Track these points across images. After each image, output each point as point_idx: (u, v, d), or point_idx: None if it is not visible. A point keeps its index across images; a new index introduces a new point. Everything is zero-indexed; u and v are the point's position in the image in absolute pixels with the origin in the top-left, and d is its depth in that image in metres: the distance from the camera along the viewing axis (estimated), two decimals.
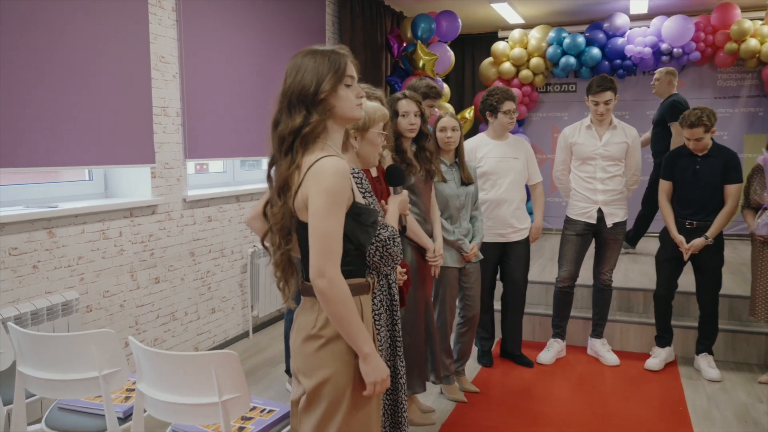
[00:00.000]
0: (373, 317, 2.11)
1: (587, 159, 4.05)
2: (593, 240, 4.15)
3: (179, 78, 3.95)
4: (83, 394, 2.10)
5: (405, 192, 2.34)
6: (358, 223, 1.67)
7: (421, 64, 6.14)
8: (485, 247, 3.75)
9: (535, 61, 7.21)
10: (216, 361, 1.84)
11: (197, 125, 4.09)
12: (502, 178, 3.83)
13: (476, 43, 8.23)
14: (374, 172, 2.76)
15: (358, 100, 1.70)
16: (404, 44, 6.53)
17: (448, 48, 6.48)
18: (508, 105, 3.78)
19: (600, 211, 4.04)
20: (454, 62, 6.60)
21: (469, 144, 3.86)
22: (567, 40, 6.99)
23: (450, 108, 6.25)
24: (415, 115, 3.02)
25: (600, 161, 4.02)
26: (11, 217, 2.88)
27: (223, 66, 4.28)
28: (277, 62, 4.85)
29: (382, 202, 2.33)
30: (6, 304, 2.88)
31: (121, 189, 3.81)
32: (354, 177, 2.04)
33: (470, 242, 3.49)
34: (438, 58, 6.15)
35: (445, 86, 6.67)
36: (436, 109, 3.63)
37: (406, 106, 3.00)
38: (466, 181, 3.48)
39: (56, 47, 3.10)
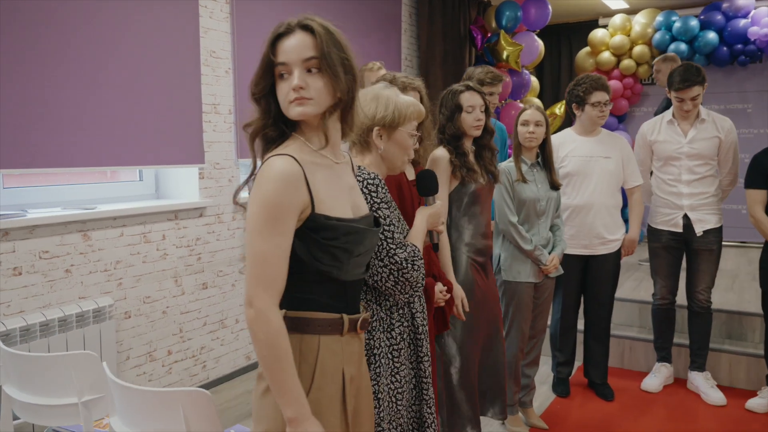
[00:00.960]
0: (392, 353, 1.75)
1: (670, 159, 3.44)
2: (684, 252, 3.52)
3: (232, 74, 3.75)
4: (64, 422, 1.89)
5: (438, 203, 1.93)
6: (318, 240, 1.30)
7: (504, 55, 5.63)
8: (566, 259, 3.25)
9: (639, 49, 6.46)
10: (184, 399, 1.55)
11: None
12: (588, 180, 3.30)
13: (573, 32, 7.55)
14: (411, 174, 2.37)
15: (292, 94, 1.29)
16: (488, 35, 6.05)
17: (536, 37, 5.92)
18: (598, 95, 3.25)
19: (686, 217, 3.40)
20: (543, 53, 6.03)
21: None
22: (677, 24, 6.19)
23: (536, 101, 5.70)
24: (481, 110, 2.59)
25: (685, 161, 3.40)
26: (42, 219, 2.77)
27: None
28: None
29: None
30: (34, 309, 2.78)
31: (169, 190, 3.67)
32: (368, 183, 1.68)
33: (550, 253, 3.01)
34: (523, 49, 5.62)
35: (534, 80, 6.11)
36: (520, 103, 3.15)
37: (470, 99, 2.58)
38: (554, 184, 3.01)
39: (104, 45, 2.98)
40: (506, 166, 2.98)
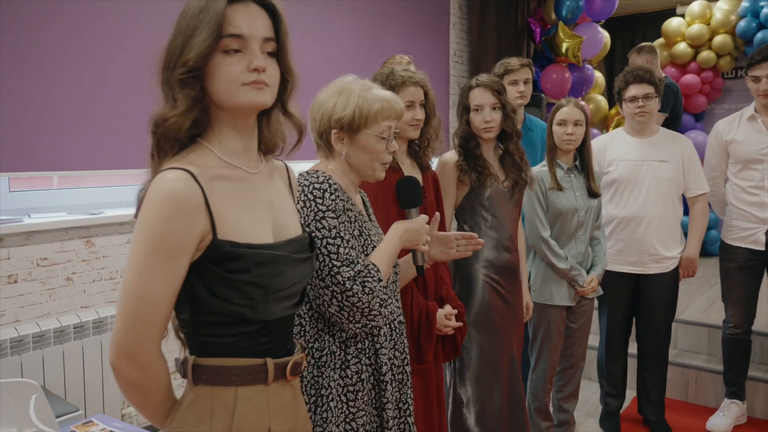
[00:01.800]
0: (346, 395, 1.45)
1: (751, 162, 2.91)
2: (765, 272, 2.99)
3: None
4: None
5: (421, 218, 1.59)
6: (222, 274, 1.05)
7: (564, 48, 5.17)
8: (614, 278, 2.84)
9: (720, 39, 5.81)
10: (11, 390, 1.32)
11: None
12: (638, 188, 2.86)
13: (647, 23, 6.93)
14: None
15: (249, 75, 1.04)
16: (548, 27, 5.59)
17: (601, 29, 5.41)
18: (633, 89, 2.81)
19: None
20: (608, 45, 5.51)
21: (597, 143, 2.95)
22: (766, 10, 5.50)
23: (582, 102, 5.20)
24: (493, 109, 2.25)
25: None
26: (40, 224, 2.65)
27: (319, 58, 3.81)
28: (388, 54, 4.28)
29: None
30: (30, 319, 2.66)
31: None
32: (313, 188, 1.42)
33: (588, 272, 2.61)
34: (584, 41, 5.13)
35: (598, 75, 5.61)
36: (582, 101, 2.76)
37: (478, 97, 2.26)
38: (594, 191, 2.61)
39: (111, 44, 2.84)
40: (539, 171, 2.61)
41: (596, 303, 2.95)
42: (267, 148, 1.20)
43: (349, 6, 4.05)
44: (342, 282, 1.37)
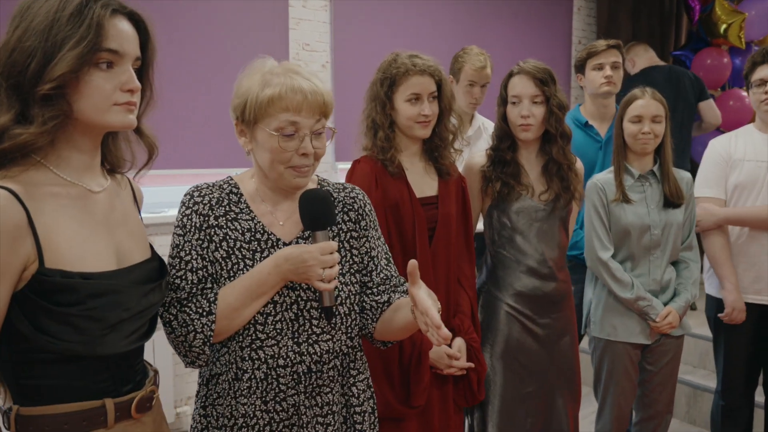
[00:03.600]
0: None
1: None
2: None
3: (330, 67, 3.40)
4: None
5: (316, 246, 1.17)
6: (49, 308, 0.93)
7: (722, 28, 4.32)
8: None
9: None
10: None
11: (352, 123, 3.49)
12: (764, 195, 2.21)
13: None
14: (425, 189, 1.74)
15: (122, 96, 0.99)
16: (708, 2, 4.72)
17: None
18: (762, 71, 2.16)
19: None
20: None
21: (718, 143, 2.35)
22: None
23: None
24: (534, 102, 1.84)
25: None
26: None
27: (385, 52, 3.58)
28: (494, 43, 3.91)
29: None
30: None
31: None
32: (181, 209, 1.24)
33: (667, 304, 2.07)
34: (749, 17, 4.23)
35: None
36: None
37: (517, 85, 1.87)
38: (674, 200, 2.07)
39: (184, 41, 2.89)
40: (601, 180, 2.10)
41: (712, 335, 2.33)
42: (112, 165, 1.12)
43: None
44: (162, 308, 1.17)
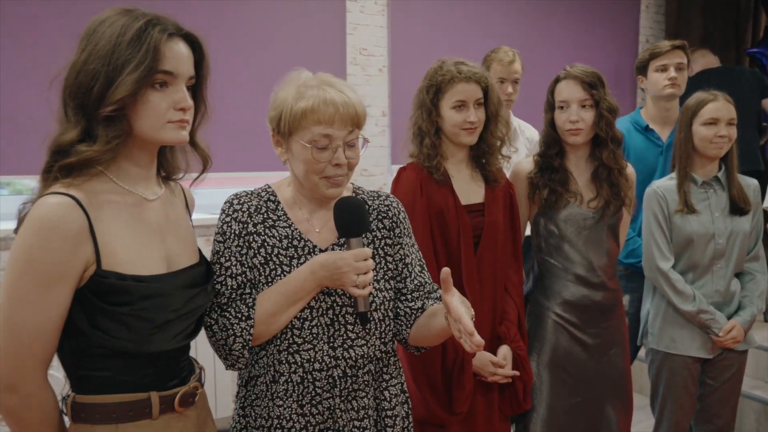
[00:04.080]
0: None
1: None
2: None
3: (387, 71, 3.43)
4: None
5: (351, 253, 1.19)
6: (104, 308, 1.00)
7: None
8: None
9: None
10: None
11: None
12: None
13: None
14: (471, 196, 1.75)
15: (175, 114, 1.05)
16: None
17: None
18: None
19: None
20: None
21: None
22: None
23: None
24: (582, 106, 1.81)
25: None
26: None
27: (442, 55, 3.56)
28: (553, 43, 3.84)
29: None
30: None
31: None
32: (221, 216, 1.28)
33: (731, 317, 1.99)
34: None
35: None
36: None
37: (564, 90, 1.84)
38: (741, 206, 1.98)
39: (238, 44, 2.99)
40: (661, 187, 2.03)
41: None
42: (167, 173, 1.19)
43: None
44: (204, 314, 1.21)
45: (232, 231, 1.25)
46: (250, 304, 1.21)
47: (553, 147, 1.88)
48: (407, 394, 1.37)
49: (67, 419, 1.08)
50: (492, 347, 1.75)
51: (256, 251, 1.25)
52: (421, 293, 1.33)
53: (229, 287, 1.22)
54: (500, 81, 2.52)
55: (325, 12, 3.21)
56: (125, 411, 1.05)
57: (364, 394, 1.27)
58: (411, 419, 1.37)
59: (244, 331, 1.19)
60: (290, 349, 1.22)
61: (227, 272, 1.23)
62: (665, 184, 2.04)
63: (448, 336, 1.24)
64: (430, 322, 1.27)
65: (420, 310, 1.31)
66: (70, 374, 1.07)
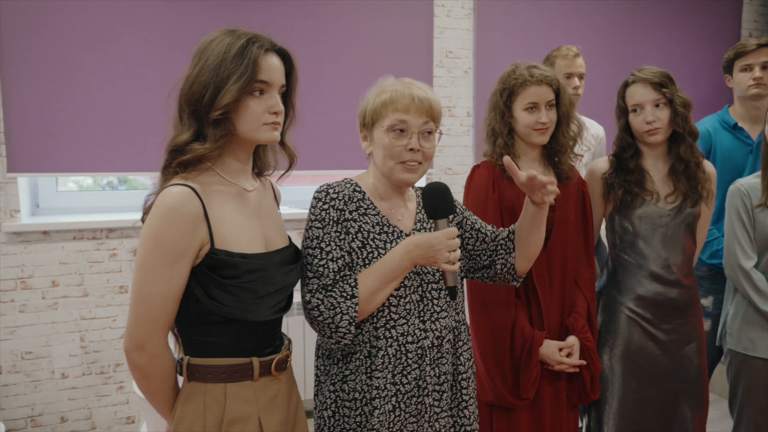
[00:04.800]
0: (341, 412, 1.42)
1: None
2: None
3: (472, 73, 3.52)
4: None
5: (443, 232, 1.35)
6: (218, 280, 1.18)
7: None
8: None
9: None
10: None
11: None
12: None
13: None
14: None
15: (269, 117, 1.24)
16: None
17: None
18: None
19: None
20: None
21: None
22: None
23: None
24: (656, 106, 1.85)
25: None
26: None
27: (528, 56, 3.59)
28: (645, 38, 3.78)
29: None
30: None
31: None
32: (313, 198, 1.42)
33: None
34: None
35: None
36: None
37: (636, 94, 1.89)
38: None
39: (324, 48, 3.19)
40: (745, 184, 2.01)
41: None
42: (260, 170, 1.39)
43: None
44: (305, 294, 1.35)
45: (331, 218, 1.38)
46: (353, 284, 1.34)
47: (628, 150, 1.92)
48: (473, 360, 1.55)
49: (180, 378, 1.27)
50: (560, 338, 1.82)
51: (354, 236, 1.39)
52: (499, 234, 1.58)
53: (331, 270, 1.35)
54: (566, 76, 2.56)
55: (413, 17, 3.34)
56: (232, 373, 1.23)
57: (445, 360, 1.44)
58: (475, 381, 1.55)
59: (350, 308, 1.32)
60: (387, 325, 1.38)
61: (328, 256, 1.36)
62: (750, 181, 2.01)
63: (540, 216, 1.49)
64: (521, 225, 1.54)
65: (509, 239, 1.56)
66: (184, 340, 1.27)
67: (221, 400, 1.21)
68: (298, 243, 1.41)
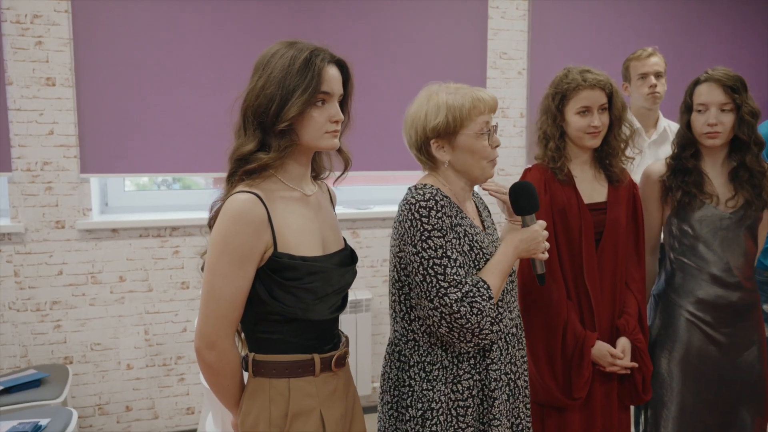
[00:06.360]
0: (456, 410, 1.46)
1: None
2: None
3: (525, 74, 3.51)
4: None
5: (537, 224, 1.49)
6: (280, 281, 1.25)
7: None
8: None
9: None
10: None
11: None
12: None
13: None
14: (594, 194, 1.87)
15: (331, 126, 1.30)
16: None
17: None
18: None
19: None
20: None
21: None
22: None
23: None
24: (722, 110, 1.82)
25: None
26: None
27: (580, 58, 3.55)
28: (695, 37, 3.68)
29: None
30: None
31: None
32: (419, 207, 1.40)
33: None
34: None
35: None
36: None
37: (705, 93, 1.85)
38: None
39: (382, 50, 3.24)
40: None
41: None
42: (317, 173, 1.46)
43: None
44: (449, 304, 1.35)
45: (446, 225, 1.40)
46: (486, 287, 1.39)
47: (688, 149, 1.89)
48: (526, 357, 1.63)
49: (246, 374, 1.34)
50: (611, 339, 1.81)
51: (462, 239, 1.44)
52: None
53: (462, 276, 1.38)
54: (641, 77, 2.53)
55: (467, 18, 3.36)
56: (295, 368, 1.29)
57: (521, 345, 1.55)
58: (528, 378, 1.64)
59: (491, 309, 1.39)
60: (496, 319, 1.46)
61: (456, 263, 1.39)
62: None
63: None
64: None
65: None
66: (249, 337, 1.33)
67: (285, 395, 1.27)
68: (352, 244, 1.47)
